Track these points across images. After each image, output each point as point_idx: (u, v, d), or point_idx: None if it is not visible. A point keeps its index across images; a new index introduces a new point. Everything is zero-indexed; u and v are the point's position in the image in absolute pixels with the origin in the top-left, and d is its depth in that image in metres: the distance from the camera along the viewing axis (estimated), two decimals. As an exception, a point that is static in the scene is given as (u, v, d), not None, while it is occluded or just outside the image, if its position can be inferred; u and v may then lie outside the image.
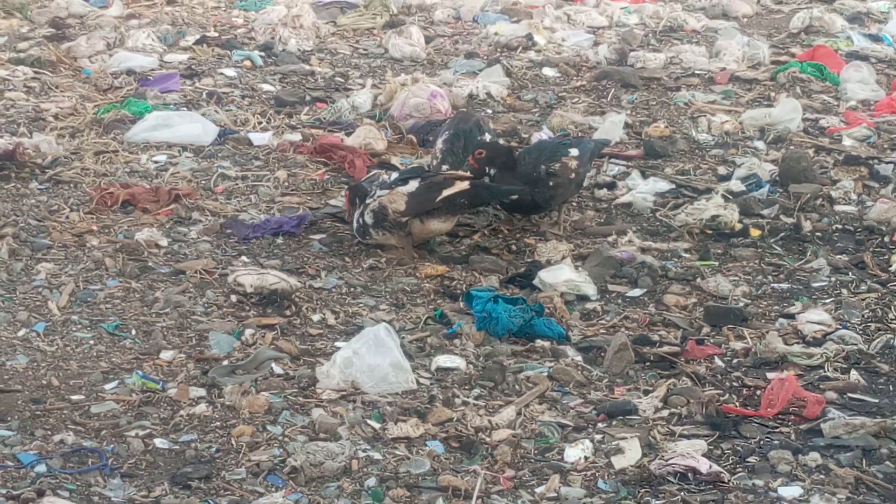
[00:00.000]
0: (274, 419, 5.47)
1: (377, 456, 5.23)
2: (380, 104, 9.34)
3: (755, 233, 7.46)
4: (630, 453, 5.27)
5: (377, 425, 5.44)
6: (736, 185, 8.05)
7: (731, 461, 5.28)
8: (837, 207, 7.84)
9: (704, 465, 5.12)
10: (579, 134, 8.77)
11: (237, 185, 7.90)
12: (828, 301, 6.72)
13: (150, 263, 6.81)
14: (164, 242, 7.04)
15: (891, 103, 9.65)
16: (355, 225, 7.06)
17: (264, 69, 10.18)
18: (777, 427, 5.53)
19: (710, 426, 5.52)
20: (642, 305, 6.65)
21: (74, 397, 5.59)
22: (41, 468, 5.05)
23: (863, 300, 6.71)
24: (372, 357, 5.72)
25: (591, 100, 9.71)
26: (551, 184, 7.34)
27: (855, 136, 8.99)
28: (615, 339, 6.08)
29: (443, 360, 5.96)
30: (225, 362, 5.89)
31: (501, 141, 8.34)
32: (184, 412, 5.49)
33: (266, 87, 9.74)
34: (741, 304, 6.63)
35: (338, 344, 6.06)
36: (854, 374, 5.98)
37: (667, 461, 5.16)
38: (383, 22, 11.54)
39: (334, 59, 10.62)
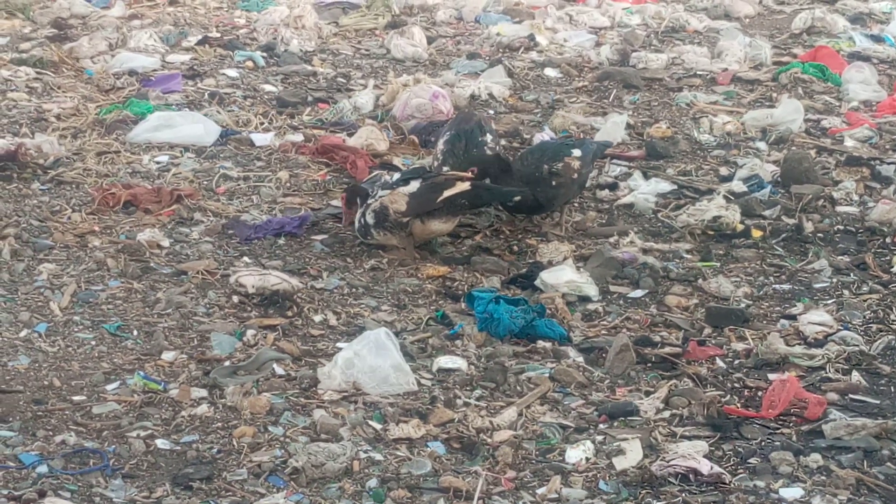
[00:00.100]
0: (275, 420, 5.47)
1: (378, 457, 5.23)
2: (382, 105, 9.35)
3: (757, 234, 7.46)
4: (631, 454, 5.27)
5: (378, 426, 5.44)
6: (738, 185, 8.05)
7: (732, 462, 5.28)
8: (839, 208, 7.83)
9: (706, 467, 5.13)
10: (581, 135, 8.77)
11: (239, 185, 7.90)
12: (829, 302, 6.72)
13: (151, 264, 6.81)
14: (165, 243, 7.05)
15: (892, 104, 9.65)
16: (357, 225, 7.07)
17: (266, 70, 10.18)
18: (778, 428, 5.53)
19: (711, 427, 5.52)
20: (644, 306, 6.65)
21: (76, 398, 5.60)
22: (43, 469, 5.06)
23: (864, 301, 6.71)
24: (373, 358, 5.73)
25: (592, 100, 9.71)
26: (554, 184, 7.34)
27: (857, 136, 8.99)
28: (617, 340, 6.09)
29: (444, 361, 5.97)
30: (226, 363, 5.89)
31: (503, 142, 8.34)
32: (185, 413, 5.50)
33: (268, 87, 9.74)
34: (743, 305, 6.63)
35: (339, 345, 6.06)
36: (855, 376, 5.98)
37: (668, 462, 5.16)
38: (385, 22, 11.54)
39: (336, 59, 10.62)
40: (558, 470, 5.19)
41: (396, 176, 7.26)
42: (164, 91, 9.45)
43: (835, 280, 6.96)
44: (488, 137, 7.67)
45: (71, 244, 6.99)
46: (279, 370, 5.84)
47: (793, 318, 6.52)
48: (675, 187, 8.05)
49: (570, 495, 5.04)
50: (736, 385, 5.90)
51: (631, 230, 7.41)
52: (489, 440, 5.37)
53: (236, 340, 6.08)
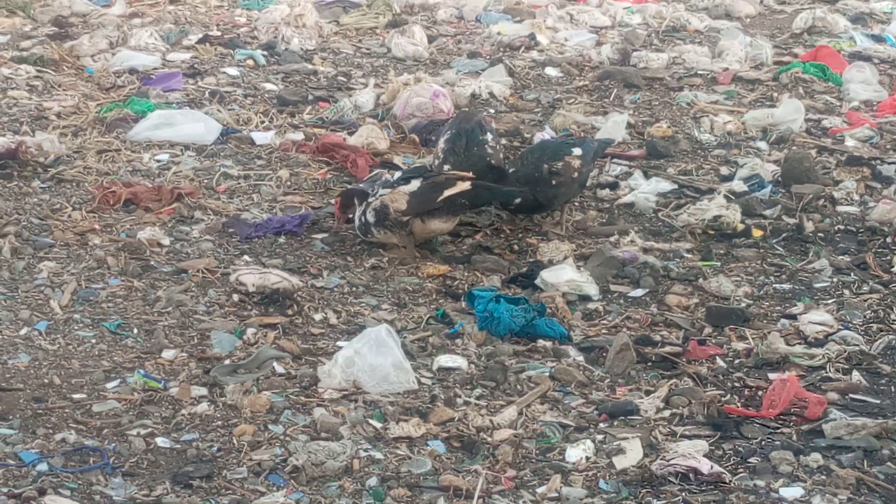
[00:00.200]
0: (275, 418, 5.47)
1: (378, 455, 5.23)
2: (382, 103, 9.34)
3: (757, 233, 7.46)
4: (631, 453, 5.27)
5: (379, 425, 5.44)
6: (738, 185, 8.05)
7: (732, 462, 5.28)
8: (840, 208, 7.83)
9: (706, 466, 5.12)
10: (582, 134, 8.77)
11: (239, 184, 7.90)
12: (830, 302, 6.72)
13: (152, 262, 6.81)
14: (166, 241, 7.04)
15: (893, 104, 9.65)
16: (357, 223, 7.07)
17: (267, 68, 10.18)
18: (778, 428, 5.53)
19: (711, 427, 5.52)
20: (644, 306, 6.65)
21: (76, 396, 5.60)
22: (43, 467, 5.05)
23: (865, 301, 6.71)
24: (373, 357, 5.72)
25: (593, 100, 9.70)
26: (554, 183, 7.34)
27: (857, 136, 8.99)
28: (617, 339, 6.09)
29: (444, 360, 5.97)
30: (227, 361, 5.89)
31: (504, 141, 8.34)
32: (185, 411, 5.50)
33: (269, 86, 9.74)
34: (743, 305, 6.63)
35: (339, 343, 6.06)
36: (856, 375, 5.98)
37: (668, 461, 5.16)
38: (386, 21, 11.54)
39: (337, 58, 10.62)
40: (558, 469, 5.19)
41: (397, 175, 7.27)
42: (165, 89, 9.44)
43: (835, 280, 6.96)
44: (489, 136, 7.67)
45: (71, 242, 6.99)
46: (279, 369, 5.84)
47: (793, 317, 6.52)
48: (676, 187, 8.05)
49: (570, 494, 5.04)
50: (736, 384, 5.90)
51: (631, 229, 7.41)
52: (489, 439, 5.37)
53: (236, 339, 6.08)
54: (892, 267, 7.09)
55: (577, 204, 7.75)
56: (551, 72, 10.34)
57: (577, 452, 5.28)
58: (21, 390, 5.60)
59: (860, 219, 7.69)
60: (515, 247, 7.25)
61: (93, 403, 5.54)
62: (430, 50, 10.84)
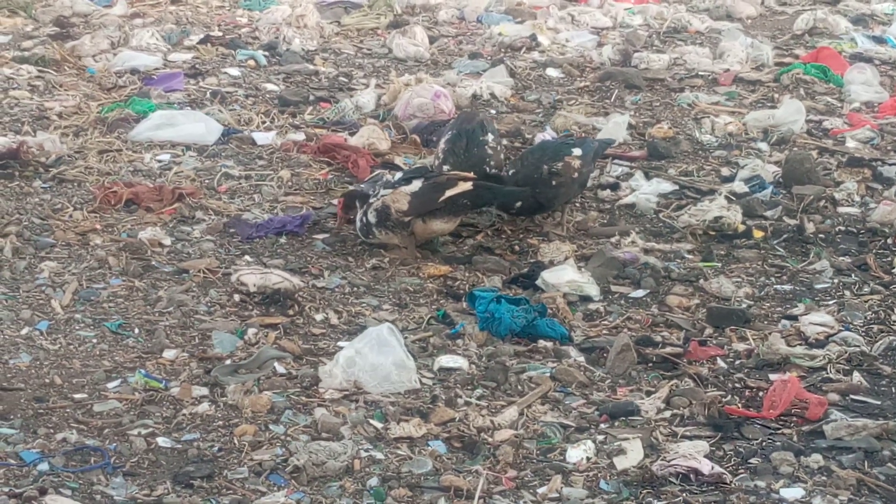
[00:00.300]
0: (276, 418, 5.47)
1: (379, 456, 5.23)
2: (383, 104, 9.35)
3: (758, 234, 7.46)
4: (632, 454, 5.27)
5: (379, 425, 5.44)
6: (739, 186, 8.05)
7: (733, 462, 5.28)
8: (840, 209, 7.83)
9: (706, 467, 5.13)
10: (583, 134, 8.77)
11: (240, 184, 7.90)
12: (830, 303, 6.72)
13: (153, 262, 6.81)
14: (167, 241, 7.05)
15: (894, 105, 9.65)
16: (359, 224, 7.07)
17: (268, 69, 10.18)
18: (779, 428, 5.53)
19: (712, 427, 5.52)
20: (645, 306, 6.65)
21: (77, 396, 5.60)
22: (44, 466, 5.06)
23: (865, 302, 6.71)
24: (375, 356, 5.73)
25: (594, 100, 9.71)
26: (554, 183, 7.34)
27: (858, 137, 8.99)
28: (618, 339, 6.09)
29: (445, 361, 5.97)
30: (228, 361, 5.89)
31: (505, 141, 8.34)
32: (186, 411, 5.50)
33: (270, 86, 9.74)
34: (744, 306, 6.63)
35: (340, 343, 6.06)
36: (856, 376, 5.98)
37: (669, 462, 5.16)
38: (387, 22, 11.54)
39: (338, 58, 10.62)
40: (559, 469, 5.19)
41: (398, 175, 7.27)
42: (166, 90, 9.45)
43: (836, 281, 6.96)
44: (489, 137, 7.67)
45: (72, 242, 6.99)
46: (280, 369, 5.84)
47: (794, 318, 6.52)
48: (677, 187, 8.05)
49: (571, 495, 5.04)
50: (737, 385, 5.90)
51: (632, 230, 7.41)
52: (490, 439, 5.37)
53: (237, 339, 6.08)
54: (893, 268, 7.09)
55: (578, 205, 7.75)
56: (552, 72, 10.35)
57: (577, 453, 5.28)
58: (22, 390, 5.60)
59: (861, 220, 7.69)
60: (516, 247, 7.25)
61: (94, 403, 5.54)
62: (431, 50, 10.84)
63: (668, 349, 6.16)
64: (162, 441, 5.28)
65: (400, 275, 6.84)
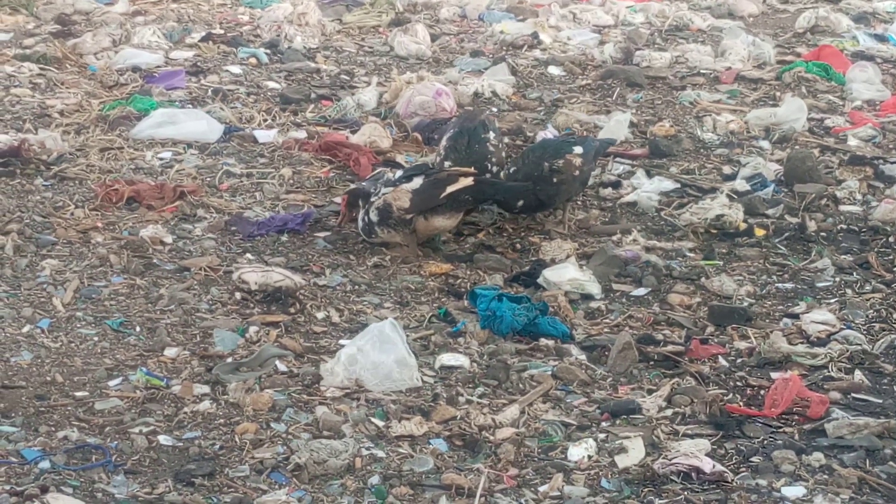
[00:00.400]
0: (278, 416, 5.47)
1: (381, 454, 5.23)
2: (385, 102, 9.34)
3: (760, 232, 7.45)
4: (633, 452, 5.27)
5: (381, 423, 5.44)
6: (741, 184, 8.04)
7: (734, 461, 5.28)
8: (842, 207, 7.83)
9: (708, 465, 5.12)
10: (584, 133, 8.77)
11: (242, 182, 7.90)
12: (832, 301, 6.71)
13: (154, 260, 6.81)
14: (168, 239, 7.05)
15: (896, 103, 9.65)
16: (360, 223, 7.07)
17: (270, 66, 10.18)
18: (781, 427, 5.53)
19: (713, 426, 5.52)
20: (646, 304, 6.65)
21: (78, 394, 5.60)
22: (45, 464, 5.06)
23: (867, 300, 6.71)
24: (376, 354, 5.73)
25: (596, 98, 9.70)
26: (555, 181, 7.34)
27: (860, 136, 8.98)
28: (619, 338, 6.08)
29: (447, 359, 5.97)
30: (229, 359, 5.89)
31: (507, 139, 8.34)
32: (188, 409, 5.50)
33: (271, 84, 9.74)
34: (745, 304, 6.63)
35: (342, 341, 6.06)
36: (858, 375, 5.98)
37: (670, 460, 5.16)
38: (389, 20, 11.54)
39: (340, 56, 10.62)
40: (560, 467, 5.19)
41: (399, 173, 7.27)
42: (168, 87, 9.45)
43: (838, 279, 6.96)
44: (491, 135, 7.67)
45: (74, 240, 6.99)
46: (282, 367, 5.84)
47: (795, 316, 6.51)
48: (679, 186, 8.04)
49: (573, 493, 5.04)
50: (738, 383, 5.90)
51: (634, 228, 7.41)
52: (491, 438, 5.37)
53: (239, 337, 6.08)
54: (895, 266, 7.09)
55: (579, 203, 7.75)
56: (554, 70, 10.34)
57: (579, 451, 5.28)
58: (23, 388, 5.60)
59: (863, 218, 7.69)
60: (518, 245, 7.25)
61: (95, 401, 5.54)
62: (432, 48, 10.84)
63: (670, 347, 6.16)
64: (163, 439, 5.28)
65: (401, 273, 6.84)
